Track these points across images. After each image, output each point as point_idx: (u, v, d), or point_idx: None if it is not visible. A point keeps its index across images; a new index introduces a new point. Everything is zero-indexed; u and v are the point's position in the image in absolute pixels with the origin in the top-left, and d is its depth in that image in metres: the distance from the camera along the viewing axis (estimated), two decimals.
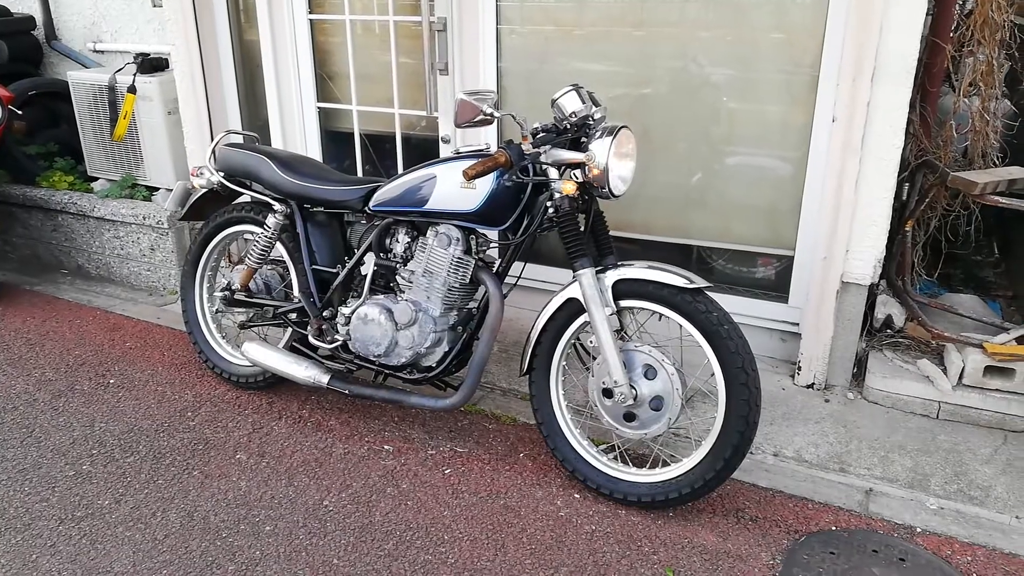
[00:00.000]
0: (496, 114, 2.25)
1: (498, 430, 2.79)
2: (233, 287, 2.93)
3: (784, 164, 2.88)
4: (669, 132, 3.05)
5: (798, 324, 2.98)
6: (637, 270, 2.25)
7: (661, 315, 2.27)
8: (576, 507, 2.37)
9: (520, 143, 2.26)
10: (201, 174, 3.01)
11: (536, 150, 2.24)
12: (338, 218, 2.84)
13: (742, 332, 2.18)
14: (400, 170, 3.59)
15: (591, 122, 2.30)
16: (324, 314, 2.72)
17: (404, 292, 2.58)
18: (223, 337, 3.16)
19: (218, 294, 2.98)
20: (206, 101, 3.85)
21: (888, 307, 2.96)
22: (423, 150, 3.54)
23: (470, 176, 2.17)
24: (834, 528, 2.28)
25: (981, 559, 2.16)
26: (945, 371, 2.71)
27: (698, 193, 3.07)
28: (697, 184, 3.05)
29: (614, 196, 2.28)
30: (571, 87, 2.26)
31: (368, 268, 2.66)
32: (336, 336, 2.68)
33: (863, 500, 2.40)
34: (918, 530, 2.27)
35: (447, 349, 2.56)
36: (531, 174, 2.28)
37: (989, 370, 2.60)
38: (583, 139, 2.30)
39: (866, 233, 2.66)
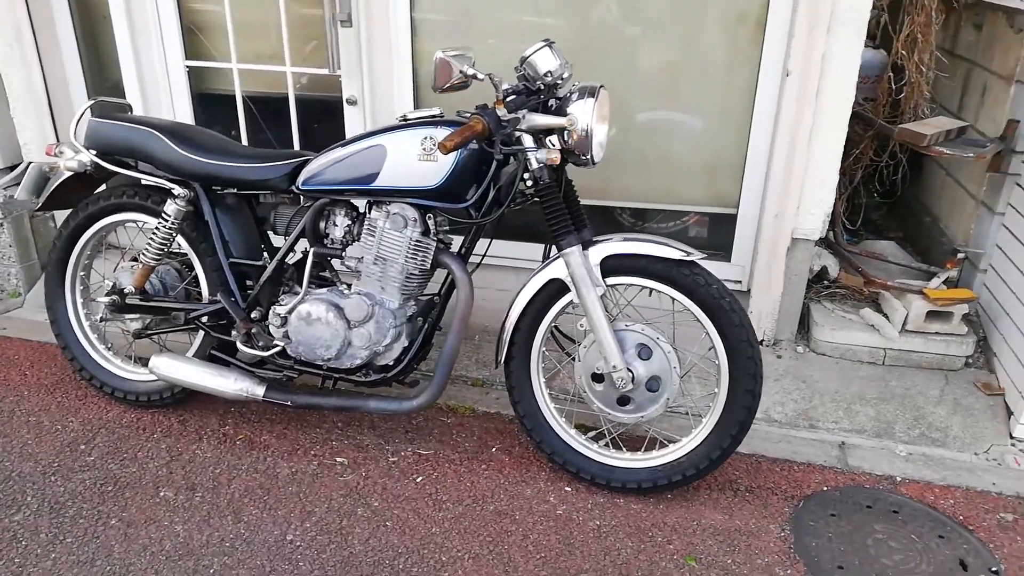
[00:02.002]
0: (479, 76, 1.94)
1: (459, 424, 2.54)
2: (123, 289, 2.42)
3: (727, 122, 2.79)
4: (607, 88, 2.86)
5: (741, 282, 2.95)
6: (626, 244, 2.07)
7: (652, 291, 2.12)
8: (572, 502, 2.19)
9: (494, 107, 1.97)
10: (61, 153, 2.44)
11: (511, 115, 1.97)
12: (248, 201, 2.41)
13: (741, 304, 2.07)
14: (296, 139, 3.15)
15: (559, 82, 2.06)
16: (252, 315, 2.31)
17: (352, 284, 2.23)
18: (109, 349, 2.63)
19: (103, 299, 2.45)
20: (39, 62, 3.14)
21: (823, 259, 3.01)
22: (324, 114, 3.11)
23: (449, 149, 1.86)
24: (825, 488, 2.28)
25: (961, 500, 2.24)
26: (888, 319, 2.79)
27: (637, 154, 2.91)
28: (636, 145, 2.90)
29: (593, 164, 2.06)
30: (544, 43, 1.99)
31: (302, 259, 2.27)
32: (271, 340, 2.29)
33: (840, 455, 2.43)
34: (898, 479, 2.33)
35: (406, 344, 2.26)
36: (508, 143, 2.01)
37: (930, 315, 2.71)
38: (551, 102, 2.06)
39: (818, 188, 2.64)
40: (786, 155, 2.62)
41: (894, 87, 2.73)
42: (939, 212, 3.43)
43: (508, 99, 1.97)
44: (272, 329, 2.28)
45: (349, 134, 3.07)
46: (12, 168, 3.48)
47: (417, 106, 2.99)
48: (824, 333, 2.83)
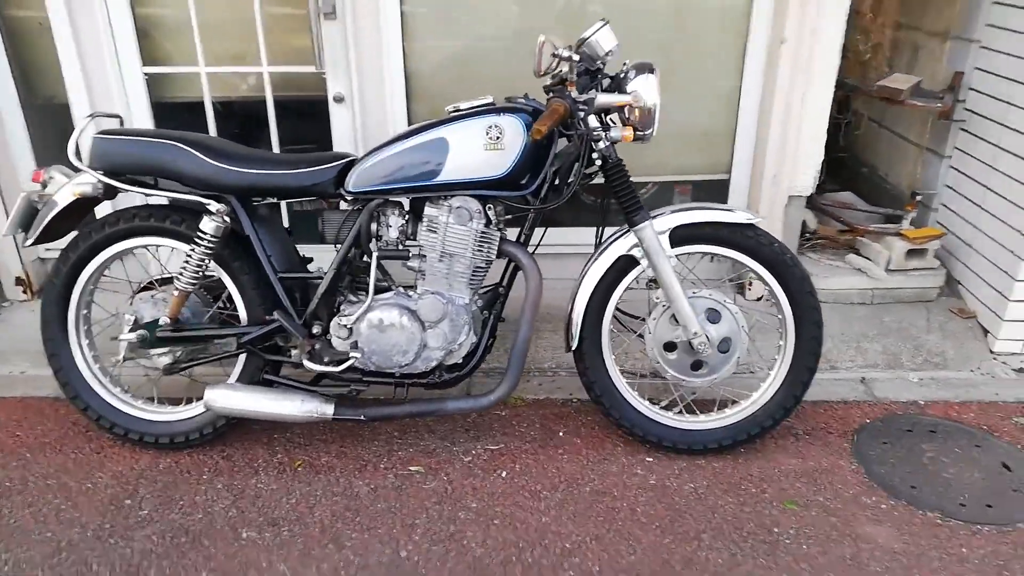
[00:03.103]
0: (575, 57, 1.93)
1: (515, 415, 2.54)
2: (156, 321, 2.21)
3: (717, 92, 2.93)
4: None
5: None
6: (691, 214, 2.15)
7: (714, 256, 2.21)
8: (658, 470, 2.27)
9: (567, 90, 1.98)
10: (52, 178, 2.19)
11: (585, 96, 1.98)
12: (277, 210, 2.27)
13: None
14: (276, 144, 2.97)
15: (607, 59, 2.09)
16: (314, 331, 2.18)
17: (417, 284, 2.16)
18: (127, 392, 2.39)
19: (127, 336, 2.22)
20: None
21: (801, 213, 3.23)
22: (309, 115, 2.95)
23: (543, 134, 1.85)
24: (868, 421, 2.49)
25: (978, 413, 2.53)
26: (872, 261, 3.06)
27: None
28: None
29: (647, 140, 2.12)
30: (603, 22, 2.01)
31: (348, 265, 2.17)
32: (336, 355, 2.17)
33: (866, 389, 2.65)
34: (921, 402, 2.58)
35: (475, 340, 2.22)
36: (585, 125, 2.02)
37: (910, 253, 3.00)
38: (604, 80, 2.08)
39: (810, 148, 2.84)
40: (782, 119, 2.79)
41: (862, 48, 2.97)
42: (877, 162, 3.77)
43: (578, 80, 1.98)
44: (336, 342, 2.17)
45: (337, 134, 2.94)
46: None
47: (409, 99, 2.91)
48: (818, 282, 3.03)
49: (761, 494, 2.17)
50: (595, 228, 2.30)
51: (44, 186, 2.22)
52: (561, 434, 2.44)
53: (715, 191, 3.10)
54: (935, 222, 3.29)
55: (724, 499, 2.15)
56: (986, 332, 2.90)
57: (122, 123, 2.30)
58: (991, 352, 2.83)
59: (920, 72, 3.31)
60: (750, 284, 3.02)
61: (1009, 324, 2.80)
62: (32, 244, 2.24)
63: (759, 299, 3.00)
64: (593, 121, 2.04)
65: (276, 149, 2.98)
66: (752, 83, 2.87)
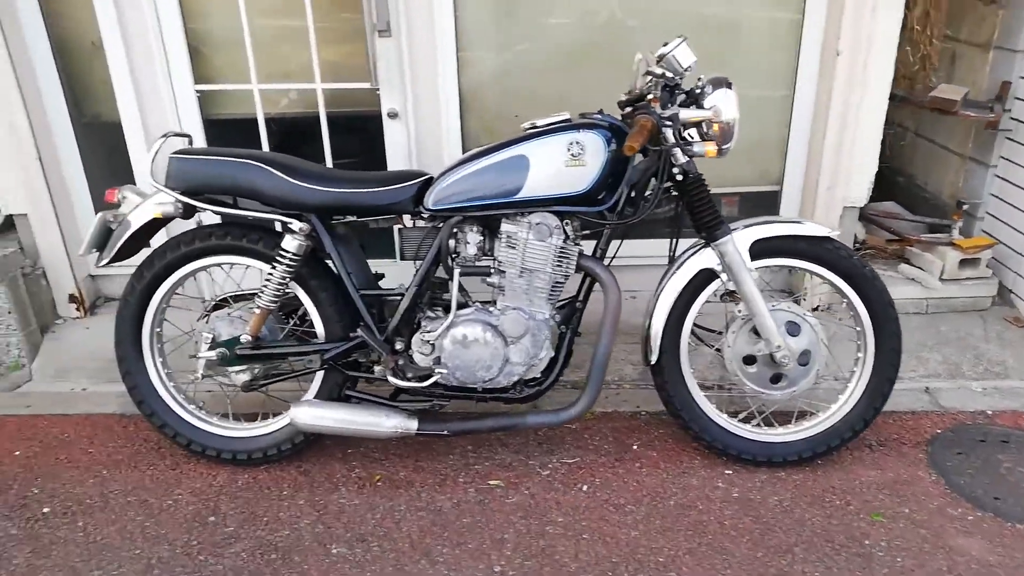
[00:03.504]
0: (668, 74, 1.95)
1: (585, 428, 2.54)
2: (238, 339, 2.20)
3: (770, 105, 2.95)
4: None
5: None
6: (771, 227, 2.16)
7: (792, 268, 2.23)
8: (740, 483, 2.27)
9: (651, 105, 1.99)
10: (124, 198, 2.19)
11: (669, 111, 2.00)
12: (352, 228, 2.27)
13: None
14: (329, 159, 2.98)
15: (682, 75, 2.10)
16: (396, 347, 2.18)
17: (497, 300, 2.17)
18: (201, 408, 2.38)
19: (206, 353, 2.21)
20: (20, 95, 2.75)
21: None
22: (361, 131, 2.96)
23: (635, 150, 1.86)
24: (939, 431, 2.50)
25: None
26: (924, 270, 3.08)
27: None
28: None
29: (725, 154, 2.13)
30: (681, 38, 2.03)
31: (445, 279, 2.18)
32: (419, 370, 2.17)
33: (931, 399, 2.67)
34: (989, 412, 2.60)
35: (553, 354, 2.23)
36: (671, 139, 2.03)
37: (963, 263, 3.02)
38: (680, 95, 2.10)
39: (864, 159, 2.86)
40: (838, 130, 2.81)
41: (912, 59, 3.01)
42: (914, 172, 3.80)
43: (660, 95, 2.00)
44: (419, 358, 2.17)
45: (391, 149, 2.95)
46: None
47: (463, 114, 2.92)
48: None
49: (846, 506, 2.17)
50: (668, 240, 2.31)
51: (118, 205, 2.22)
52: (635, 447, 2.44)
53: (764, 203, 3.12)
54: (980, 231, 3.32)
55: (810, 512, 2.15)
56: None
57: (191, 142, 2.30)
58: None
59: (960, 82, 3.34)
60: (805, 295, 3.03)
61: None
62: (106, 264, 2.24)
63: (815, 310, 3.01)
64: (669, 135, 2.05)
65: (329, 165, 2.98)
66: (804, 95, 2.89)
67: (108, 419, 2.62)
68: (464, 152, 2.92)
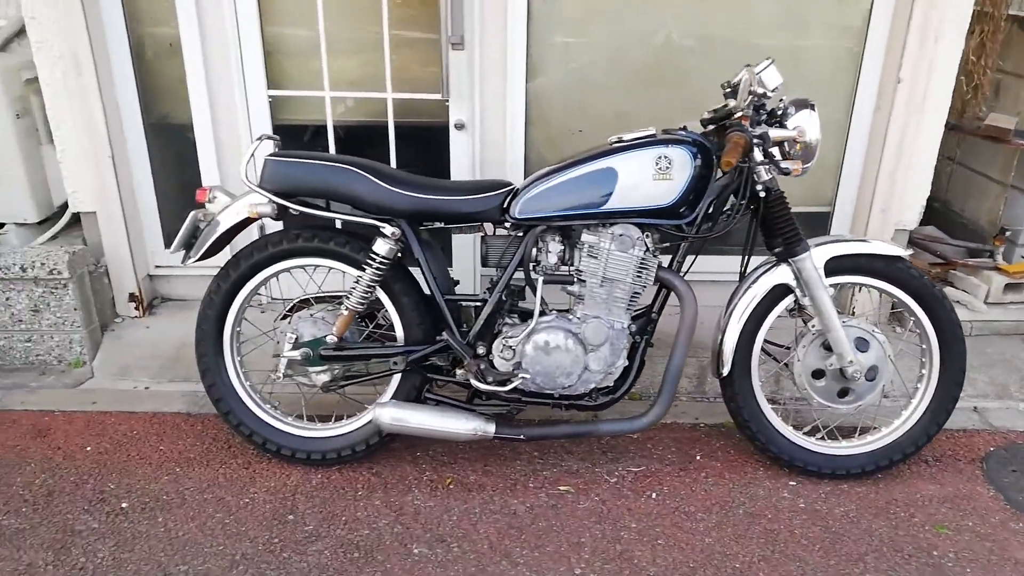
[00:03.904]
0: (769, 93, 2.02)
1: (648, 438, 2.60)
2: (324, 339, 2.25)
3: (827, 128, 3.00)
4: (716, 88, 3.00)
5: None
6: (846, 246, 2.23)
7: (862, 287, 2.29)
8: (805, 494, 2.33)
9: (741, 122, 2.06)
10: (215, 198, 2.24)
11: (759, 130, 2.07)
12: (436, 235, 2.33)
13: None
14: (395, 167, 3.03)
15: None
16: (479, 351, 2.23)
17: (576, 308, 2.23)
18: (277, 408, 2.43)
19: (293, 353, 2.26)
20: (100, 95, 2.81)
21: None
22: (426, 142, 3.02)
23: (732, 165, 1.93)
24: (992, 449, 2.56)
25: None
26: (969, 294, 3.15)
27: None
28: None
29: (806, 173, 2.20)
30: (769, 60, 2.10)
31: (523, 286, 2.23)
32: (503, 374, 2.22)
33: (981, 418, 2.73)
34: None
35: (626, 363, 2.28)
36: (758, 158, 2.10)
37: (1007, 287, 3.10)
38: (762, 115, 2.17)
39: (918, 183, 2.94)
40: (894, 155, 2.89)
41: (965, 88, 3.10)
42: (951, 198, 3.89)
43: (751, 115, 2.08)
44: (499, 362, 2.23)
45: (455, 160, 3.01)
46: (43, 222, 3.09)
47: (527, 127, 2.98)
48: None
49: (910, 518, 2.23)
50: (740, 257, 2.37)
51: (207, 204, 2.27)
52: (698, 457, 2.50)
53: (815, 223, 3.19)
54: (1019, 257, 3.40)
55: (876, 522, 2.21)
56: None
57: (279, 145, 2.36)
58: None
59: (1003, 111, 3.44)
60: (853, 312, 3.10)
61: None
62: (195, 262, 2.29)
63: None
64: (757, 154, 2.12)
65: None
66: (861, 120, 2.97)
67: (175, 418, 2.65)
68: (526, 164, 3.02)
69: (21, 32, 2.99)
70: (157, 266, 3.20)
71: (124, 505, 2.24)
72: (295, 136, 3.05)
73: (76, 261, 2.84)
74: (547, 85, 2.95)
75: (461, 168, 3.02)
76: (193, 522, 2.18)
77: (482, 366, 2.23)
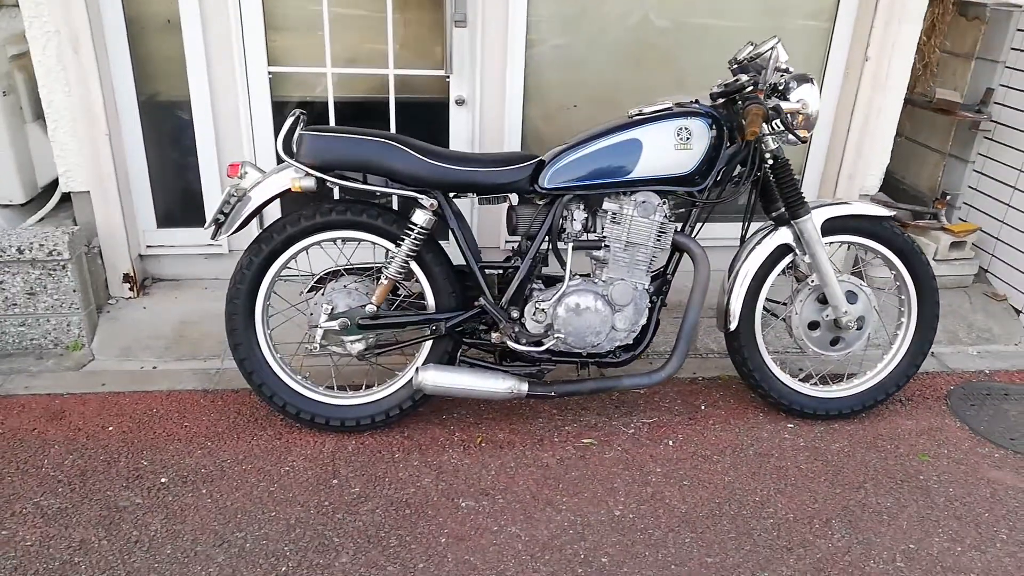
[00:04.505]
0: (791, 70, 2.20)
1: (653, 393, 2.78)
2: (363, 308, 2.32)
3: None
4: (703, 65, 3.17)
5: None
6: (842, 207, 2.47)
7: (850, 244, 2.54)
8: (803, 434, 2.57)
9: (756, 95, 2.24)
10: (246, 174, 2.27)
11: (772, 102, 2.26)
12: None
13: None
14: None
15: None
16: (512, 315, 2.36)
17: (600, 271, 2.38)
18: (308, 379, 2.48)
19: (331, 324, 2.32)
20: (98, 72, 2.75)
21: None
22: (427, 117, 3.10)
23: (757, 135, 2.11)
24: (952, 387, 2.89)
25: None
26: None
27: None
28: None
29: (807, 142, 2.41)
30: (776, 39, 2.29)
31: (566, 253, 2.36)
32: (535, 336, 2.35)
33: (939, 361, 3.06)
34: (987, 371, 3.02)
35: (644, 322, 2.46)
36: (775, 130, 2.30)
37: (952, 245, 3.45)
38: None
39: (880, 152, 3.24)
40: (860, 127, 3.17)
41: (918, 66, 3.40)
42: (892, 167, 4.23)
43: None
44: (531, 325, 2.36)
45: (455, 134, 3.10)
46: (26, 204, 3.00)
47: (525, 103, 3.09)
48: (877, 271, 3.46)
49: (896, 449, 2.51)
50: (741, 223, 2.57)
51: (239, 180, 2.29)
52: (703, 407, 2.71)
53: None
54: (956, 219, 3.77)
55: (868, 455, 2.48)
56: (1018, 312, 3.38)
57: (304, 118, 2.38)
58: None
59: (943, 87, 3.78)
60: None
61: None
62: (228, 236, 2.30)
63: None
64: (773, 124, 2.31)
65: None
66: (830, 94, 3.23)
67: (192, 395, 2.66)
68: (523, 138, 3.13)
69: (2, 7, 2.87)
70: (148, 246, 3.15)
71: (163, 480, 2.26)
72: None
73: (75, 242, 2.78)
74: (544, 62, 3.06)
75: (460, 142, 3.11)
76: (238, 492, 2.23)
77: (516, 329, 2.35)
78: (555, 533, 2.12)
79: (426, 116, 3.10)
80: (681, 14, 3.06)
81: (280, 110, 3.03)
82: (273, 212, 3.06)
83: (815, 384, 2.65)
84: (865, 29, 3.05)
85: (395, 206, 2.88)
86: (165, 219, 3.13)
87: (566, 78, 3.10)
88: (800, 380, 2.64)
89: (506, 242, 3.21)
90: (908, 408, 2.74)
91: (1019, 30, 3.37)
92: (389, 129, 3.06)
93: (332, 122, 3.04)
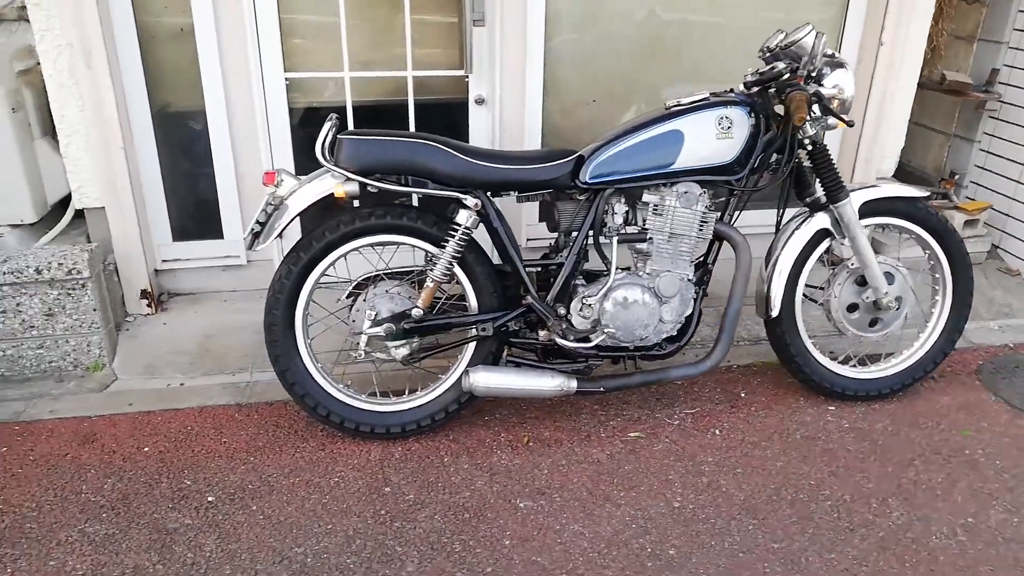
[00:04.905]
0: (829, 53, 2.20)
1: (692, 383, 2.77)
2: (407, 312, 2.28)
3: None
4: (719, 58, 3.18)
5: None
6: (879, 190, 2.48)
7: (886, 227, 2.56)
8: (845, 415, 2.58)
9: (797, 81, 2.24)
10: (282, 181, 2.22)
11: (813, 88, 2.26)
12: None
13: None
14: None
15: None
16: (559, 312, 2.33)
17: (644, 264, 2.37)
18: (350, 387, 2.44)
19: (376, 330, 2.27)
20: (112, 87, 2.67)
21: None
22: (446, 118, 3.07)
23: (804, 120, 2.12)
24: (981, 362, 2.92)
25: None
26: None
27: None
28: None
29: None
30: (809, 26, 2.29)
31: (612, 246, 2.34)
32: (582, 332, 2.33)
33: (964, 338, 3.06)
34: (1011, 344, 3.06)
35: (690, 312, 2.45)
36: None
37: (966, 223, 3.49)
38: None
39: (895, 136, 3.27)
40: (876, 111, 3.20)
41: (927, 49, 3.44)
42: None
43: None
44: (577, 321, 2.33)
45: (475, 134, 3.07)
46: (37, 222, 2.91)
47: (544, 99, 3.07)
48: (894, 251, 3.49)
49: (937, 426, 2.53)
50: (776, 210, 2.57)
51: (276, 187, 2.24)
52: (743, 395, 2.71)
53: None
54: (965, 197, 3.82)
55: (913, 433, 2.49)
56: None
57: (338, 122, 2.34)
58: None
59: (947, 68, 3.83)
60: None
61: None
62: (264, 246, 2.25)
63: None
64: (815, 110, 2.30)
65: None
66: None
67: (225, 410, 2.60)
68: (543, 134, 3.11)
69: (2, 21, 2.79)
70: (164, 260, 3.08)
71: (210, 498, 2.20)
72: (311, 118, 3.00)
73: (94, 259, 2.71)
74: (561, 58, 3.05)
75: (480, 142, 3.08)
76: (290, 506, 2.17)
77: (563, 326, 2.33)
78: (618, 528, 2.10)
79: (445, 117, 3.07)
80: (696, 7, 3.06)
81: (296, 116, 2.98)
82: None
83: (854, 366, 2.66)
84: (877, 16, 3.07)
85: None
86: (180, 232, 3.06)
87: (583, 73, 3.09)
88: (840, 363, 2.65)
89: (528, 240, 3.18)
90: (942, 385, 2.76)
91: (1020, 11, 3.43)
92: (409, 131, 3.02)
93: (351, 126, 2.99)
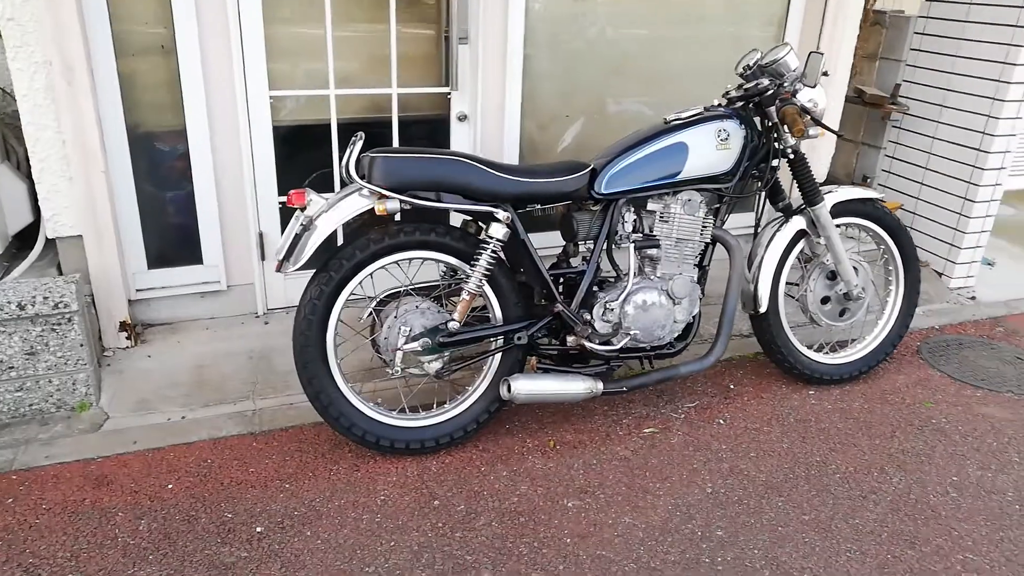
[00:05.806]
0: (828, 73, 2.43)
1: (683, 380, 2.98)
2: (443, 326, 2.32)
3: None
4: (676, 70, 3.42)
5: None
6: (840, 193, 2.78)
7: (848, 225, 2.88)
8: (824, 398, 2.87)
9: (787, 96, 2.49)
10: (311, 201, 2.23)
11: (800, 103, 2.52)
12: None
13: None
14: None
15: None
16: (585, 318, 2.45)
17: (653, 268, 2.54)
18: (380, 404, 2.44)
19: (412, 345, 2.30)
20: (94, 107, 2.53)
21: None
22: (428, 134, 3.12)
23: (803, 131, 2.36)
24: (918, 344, 3.32)
25: (972, 329, 3.49)
26: None
27: None
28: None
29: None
30: (787, 45, 2.56)
31: (628, 254, 2.48)
32: (604, 336, 2.47)
33: None
34: (937, 327, 3.50)
35: (696, 311, 2.65)
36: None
37: None
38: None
39: (828, 144, 3.64)
40: None
41: None
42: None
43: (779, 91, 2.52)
44: (599, 325, 2.47)
45: (456, 149, 3.14)
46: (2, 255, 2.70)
47: (522, 116, 3.19)
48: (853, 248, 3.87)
49: (903, 401, 2.87)
50: (754, 214, 2.83)
51: (303, 209, 2.23)
52: (732, 386, 2.94)
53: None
54: None
55: (885, 408, 2.82)
56: (939, 275, 3.93)
57: (361, 139, 2.35)
58: (949, 289, 3.86)
59: (859, 84, 4.30)
60: None
61: (960, 266, 3.84)
62: (295, 269, 2.23)
63: None
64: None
65: None
66: None
67: (240, 440, 2.52)
68: (520, 149, 3.23)
69: None
70: (139, 289, 2.93)
71: (259, 529, 2.15)
72: (294, 136, 2.96)
73: (79, 291, 2.54)
74: (540, 75, 3.18)
75: None
76: (344, 528, 2.16)
77: (589, 331, 2.46)
78: (665, 517, 2.25)
79: (427, 133, 3.12)
80: (657, 28, 3.29)
81: (278, 135, 2.93)
82: (274, 237, 2.96)
83: (827, 353, 2.96)
84: (812, 34, 3.43)
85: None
86: (157, 259, 2.92)
87: (559, 90, 3.24)
88: (815, 350, 2.94)
89: None
90: (895, 366, 3.13)
91: (916, 33, 3.92)
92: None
93: (335, 150, 2.98)
